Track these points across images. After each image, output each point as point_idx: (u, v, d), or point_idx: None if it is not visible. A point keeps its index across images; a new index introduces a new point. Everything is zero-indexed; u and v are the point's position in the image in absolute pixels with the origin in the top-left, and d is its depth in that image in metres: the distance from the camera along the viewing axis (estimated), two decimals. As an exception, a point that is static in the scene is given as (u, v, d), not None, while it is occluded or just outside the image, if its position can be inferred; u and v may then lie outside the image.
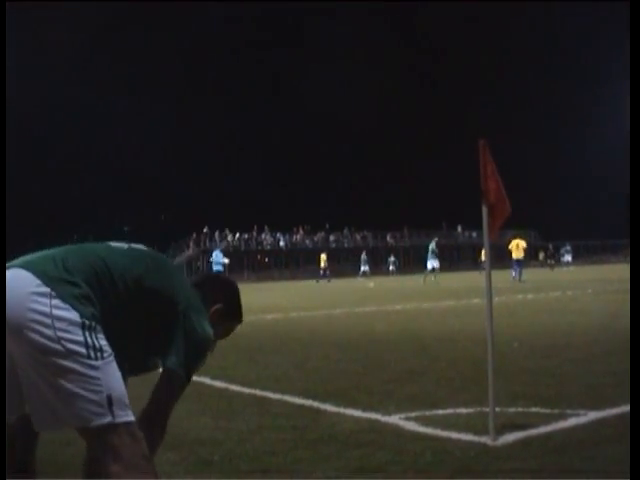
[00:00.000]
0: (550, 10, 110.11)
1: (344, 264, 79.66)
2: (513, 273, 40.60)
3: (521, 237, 43.43)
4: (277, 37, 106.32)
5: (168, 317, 3.45)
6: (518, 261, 40.94)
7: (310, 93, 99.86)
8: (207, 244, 72.29)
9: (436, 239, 45.85)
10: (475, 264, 72.59)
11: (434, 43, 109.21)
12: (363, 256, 64.73)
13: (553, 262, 66.11)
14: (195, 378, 3.67)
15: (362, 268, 62.88)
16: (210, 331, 3.56)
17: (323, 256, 60.75)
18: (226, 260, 42.24)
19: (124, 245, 3.64)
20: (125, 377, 3.42)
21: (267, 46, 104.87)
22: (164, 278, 3.52)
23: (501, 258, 65.18)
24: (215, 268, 40.69)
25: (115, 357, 3.28)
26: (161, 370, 3.52)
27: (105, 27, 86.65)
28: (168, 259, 3.87)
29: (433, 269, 43.00)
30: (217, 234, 74.64)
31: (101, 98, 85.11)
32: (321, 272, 59.21)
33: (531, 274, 47.03)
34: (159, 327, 3.46)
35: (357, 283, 49.46)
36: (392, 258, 74.86)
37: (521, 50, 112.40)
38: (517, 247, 41.16)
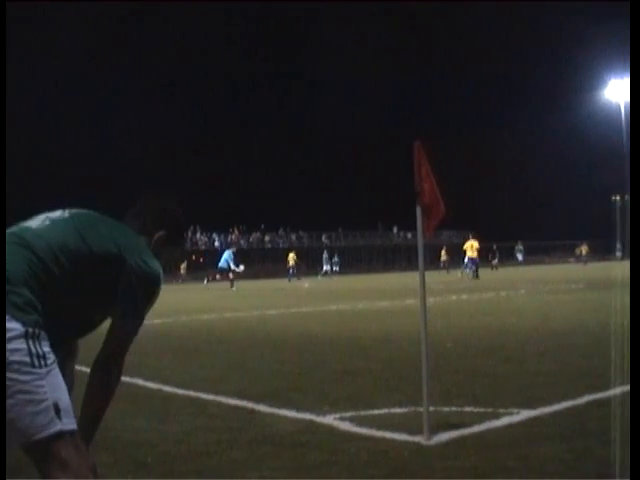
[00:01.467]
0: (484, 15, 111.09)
1: (277, 264, 79.74)
2: (467, 270, 44.69)
3: (475, 238, 46.98)
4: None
5: (113, 269, 3.39)
6: (472, 259, 44.96)
7: (241, 92, 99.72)
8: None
9: (471, 236, 47.51)
10: (410, 265, 73.14)
11: (368, 43, 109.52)
12: (325, 255, 65.03)
13: (497, 262, 67.14)
14: (128, 379, 3.66)
15: (325, 267, 63.07)
16: (156, 265, 3.51)
17: (292, 255, 60.65)
18: (241, 267, 42.62)
19: (46, 221, 3.48)
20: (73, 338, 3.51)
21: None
22: (96, 236, 3.42)
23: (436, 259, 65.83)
24: (220, 265, 42.29)
25: (66, 327, 3.31)
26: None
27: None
28: (91, 212, 3.68)
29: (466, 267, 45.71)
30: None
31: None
32: (290, 271, 59.08)
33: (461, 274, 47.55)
34: (108, 282, 3.40)
35: (311, 283, 49.37)
36: (334, 259, 75.16)
37: (456, 51, 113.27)
38: (471, 247, 45.23)
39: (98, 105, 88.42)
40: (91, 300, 3.43)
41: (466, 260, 45.47)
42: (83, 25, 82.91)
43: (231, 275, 41.84)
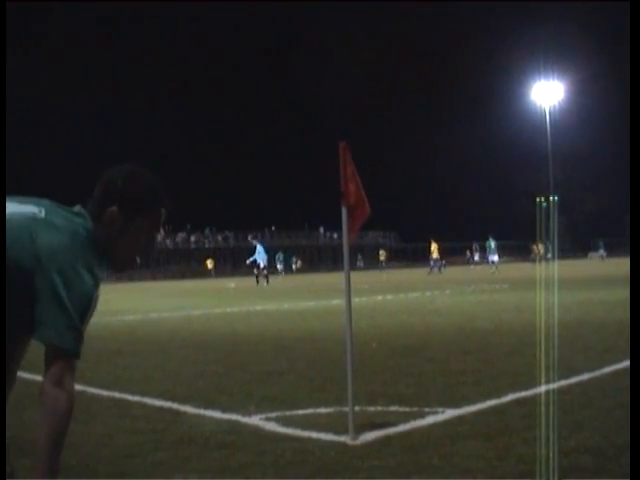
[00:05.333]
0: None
1: (203, 264, 79.36)
2: (435, 269, 52.96)
3: (436, 241, 55.02)
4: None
5: (35, 282, 2.77)
6: (437, 260, 54.47)
7: (156, 91, 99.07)
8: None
9: (492, 236, 53.48)
10: (335, 265, 73.40)
11: (291, 42, 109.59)
12: (279, 255, 65.14)
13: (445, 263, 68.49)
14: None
15: (279, 267, 63.07)
16: (87, 278, 2.84)
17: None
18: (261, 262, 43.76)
19: None
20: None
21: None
22: (21, 245, 2.77)
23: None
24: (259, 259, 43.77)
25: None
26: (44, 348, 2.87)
27: None
28: (18, 212, 2.86)
29: (493, 262, 51.35)
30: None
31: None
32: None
33: (397, 275, 47.87)
34: (30, 296, 2.78)
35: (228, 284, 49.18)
36: (293, 258, 75.29)
37: (381, 52, 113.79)
38: (436, 249, 54.05)
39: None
40: (16, 319, 2.85)
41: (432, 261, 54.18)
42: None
43: (265, 271, 43.59)
